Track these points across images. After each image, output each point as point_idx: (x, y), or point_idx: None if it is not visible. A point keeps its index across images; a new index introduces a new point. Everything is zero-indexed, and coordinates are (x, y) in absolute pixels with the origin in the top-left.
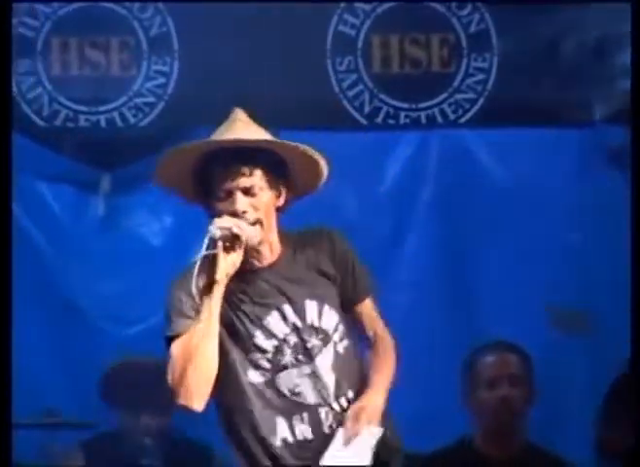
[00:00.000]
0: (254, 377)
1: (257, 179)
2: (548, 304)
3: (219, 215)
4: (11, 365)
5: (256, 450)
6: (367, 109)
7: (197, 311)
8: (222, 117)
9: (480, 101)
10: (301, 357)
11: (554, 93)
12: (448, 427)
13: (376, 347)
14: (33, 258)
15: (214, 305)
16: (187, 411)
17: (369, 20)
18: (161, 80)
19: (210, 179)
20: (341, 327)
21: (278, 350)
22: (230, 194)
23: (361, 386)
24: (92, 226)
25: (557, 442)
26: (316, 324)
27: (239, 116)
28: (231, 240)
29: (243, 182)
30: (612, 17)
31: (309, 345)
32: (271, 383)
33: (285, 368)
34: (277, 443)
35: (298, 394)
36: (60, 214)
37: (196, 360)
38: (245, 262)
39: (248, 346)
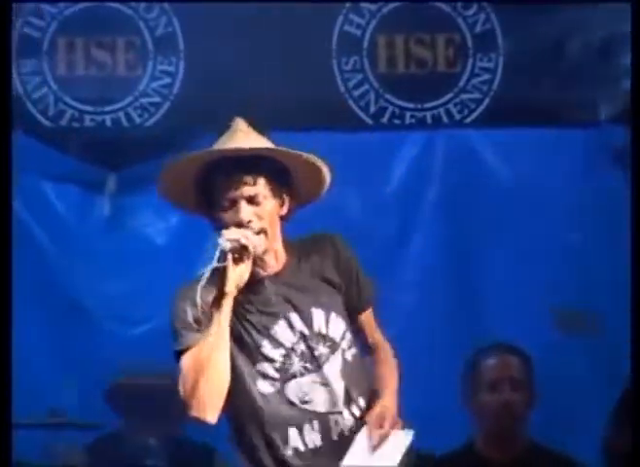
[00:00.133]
0: (263, 387)
1: (260, 188)
2: (552, 304)
3: (224, 226)
4: (11, 365)
5: (267, 462)
6: (372, 109)
7: (205, 323)
8: (227, 117)
9: (486, 101)
10: (309, 365)
11: (560, 94)
12: (452, 428)
13: (378, 355)
14: (38, 258)
15: (224, 317)
16: (199, 423)
17: (374, 20)
18: (167, 80)
19: (213, 189)
20: (348, 335)
21: (286, 359)
22: (234, 203)
23: (371, 393)
24: (98, 226)
25: (562, 443)
26: (323, 332)
27: (240, 126)
28: (240, 252)
29: (247, 191)
30: (617, 17)
31: (317, 353)
32: (281, 393)
33: (294, 377)
34: (289, 452)
35: (307, 403)
36: (66, 214)
37: (209, 373)
38: (251, 271)
39: (256, 357)
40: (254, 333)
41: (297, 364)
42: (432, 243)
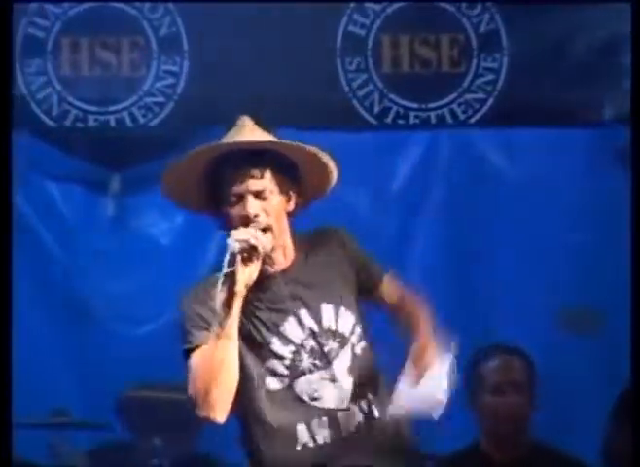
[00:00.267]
0: (272, 384)
1: (267, 182)
2: (556, 304)
3: (231, 221)
4: (12, 365)
5: (275, 458)
6: (376, 109)
7: (214, 323)
8: (231, 117)
9: (490, 101)
10: (318, 362)
11: (564, 93)
12: (456, 429)
13: (404, 308)
14: (43, 258)
15: (233, 317)
16: (208, 422)
17: (379, 20)
18: (171, 80)
19: (221, 183)
20: (358, 329)
21: (296, 356)
22: (240, 198)
23: (379, 388)
24: (102, 225)
25: (566, 444)
26: (333, 327)
27: (246, 122)
28: (249, 252)
29: (254, 184)
30: (621, 16)
31: (327, 349)
32: (290, 390)
33: (303, 373)
34: (297, 448)
35: (316, 399)
36: (70, 214)
37: (221, 375)
38: (259, 268)
39: (265, 354)
40: (263, 330)
41: (306, 360)
42: (435, 243)
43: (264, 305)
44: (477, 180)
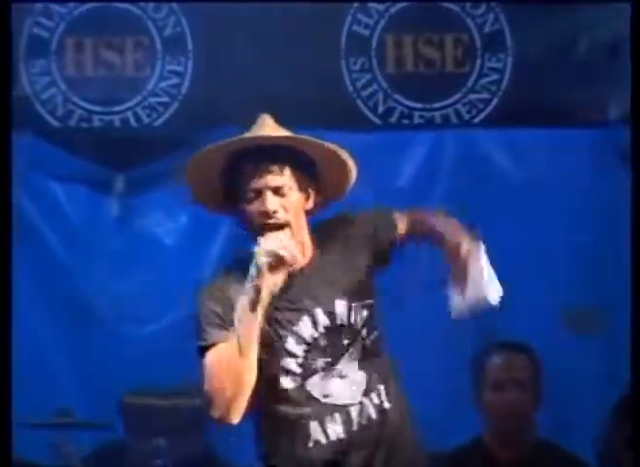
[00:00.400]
0: (285, 382)
1: (286, 178)
2: (562, 303)
3: (249, 218)
4: (12, 365)
5: (287, 457)
6: (381, 109)
7: (231, 322)
8: (235, 117)
9: (495, 101)
10: (330, 359)
11: (569, 93)
12: (461, 426)
13: (425, 224)
14: (47, 258)
15: (255, 322)
16: (222, 423)
17: (382, 20)
18: (176, 80)
19: (239, 178)
20: (371, 321)
21: (308, 354)
22: (259, 194)
23: (389, 377)
24: (106, 226)
25: (566, 443)
26: (345, 323)
27: (267, 121)
28: (277, 261)
29: (273, 180)
30: (625, 16)
31: (338, 346)
32: (302, 388)
33: (315, 371)
34: (310, 445)
35: (329, 396)
36: (74, 214)
37: (242, 377)
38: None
39: (280, 352)
40: (279, 328)
41: (318, 358)
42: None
43: (281, 305)
44: (481, 180)
